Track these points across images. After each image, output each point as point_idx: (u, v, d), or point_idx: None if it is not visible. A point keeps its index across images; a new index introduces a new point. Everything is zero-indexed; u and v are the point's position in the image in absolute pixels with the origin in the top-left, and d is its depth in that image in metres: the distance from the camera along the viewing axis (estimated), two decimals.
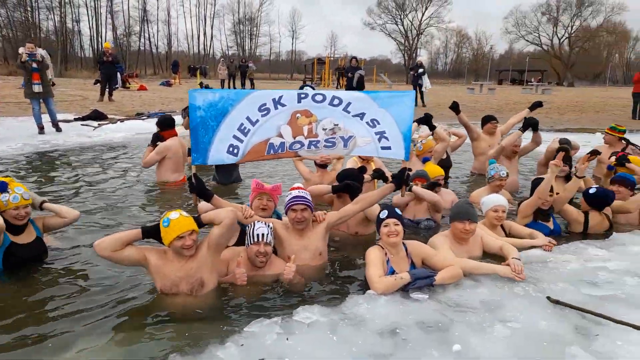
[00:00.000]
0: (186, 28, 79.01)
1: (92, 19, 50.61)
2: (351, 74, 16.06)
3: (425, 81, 18.82)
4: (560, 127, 13.30)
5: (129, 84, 22.52)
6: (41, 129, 9.04)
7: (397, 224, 3.13)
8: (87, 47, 52.85)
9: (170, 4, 56.78)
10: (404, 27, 65.52)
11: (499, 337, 2.47)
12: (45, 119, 9.22)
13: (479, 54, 78.49)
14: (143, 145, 7.39)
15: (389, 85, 37.08)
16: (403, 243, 3.25)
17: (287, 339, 2.40)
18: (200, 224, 2.86)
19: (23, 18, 45.32)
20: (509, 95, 26.61)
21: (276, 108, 3.31)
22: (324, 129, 3.43)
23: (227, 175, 5.83)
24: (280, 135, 3.37)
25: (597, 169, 6.56)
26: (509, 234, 3.99)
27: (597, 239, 4.06)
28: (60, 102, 14.57)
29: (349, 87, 16.18)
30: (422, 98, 18.04)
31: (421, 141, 5.64)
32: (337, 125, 3.44)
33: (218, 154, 3.26)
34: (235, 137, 3.26)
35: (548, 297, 2.89)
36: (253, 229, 3.06)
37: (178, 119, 7.20)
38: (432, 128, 5.88)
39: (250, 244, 3.06)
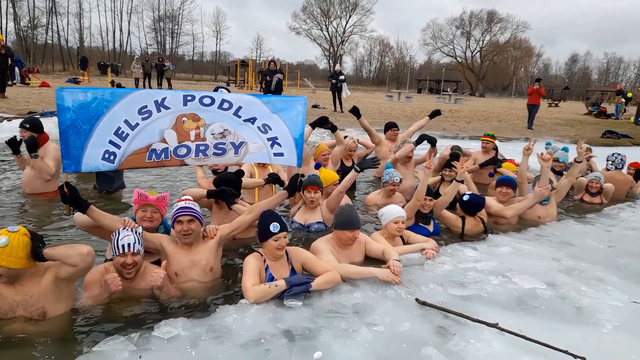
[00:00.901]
0: (100, 23, 74.33)
1: None
2: (269, 77, 15.97)
3: (344, 88, 19.19)
4: (464, 134, 14.14)
5: (29, 79, 20.68)
6: None
7: (285, 237, 3.08)
8: None
9: None
10: (328, 34, 66.77)
11: (361, 341, 2.50)
12: None
13: (400, 63, 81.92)
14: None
15: (313, 90, 37.41)
16: (286, 249, 3.20)
17: (140, 357, 2.24)
18: (40, 258, 2.47)
19: None
20: (424, 104, 27.93)
21: (159, 111, 3.04)
22: (212, 134, 3.23)
23: (109, 183, 5.30)
24: (164, 141, 3.10)
25: (477, 175, 6.99)
26: (406, 243, 4.06)
27: (473, 241, 4.29)
28: None
29: (267, 91, 16.08)
30: (340, 105, 18.33)
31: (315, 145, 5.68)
32: (227, 129, 3.27)
33: (92, 161, 2.92)
34: (111, 142, 2.94)
35: (416, 299, 2.98)
36: (117, 238, 2.78)
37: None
38: (333, 130, 5.95)
39: (116, 255, 2.78)
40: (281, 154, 3.44)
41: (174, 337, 2.42)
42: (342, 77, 18.32)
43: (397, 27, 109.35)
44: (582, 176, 6.32)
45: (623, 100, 23.74)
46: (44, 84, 20.42)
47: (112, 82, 23.82)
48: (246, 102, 3.29)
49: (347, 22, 66.22)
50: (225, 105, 3.23)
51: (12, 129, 8.33)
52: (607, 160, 6.82)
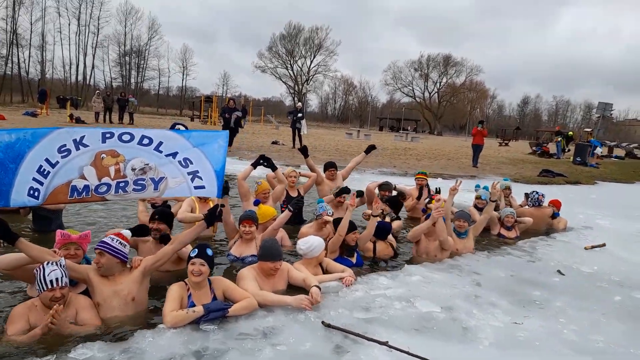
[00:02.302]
0: (63, 55, 73.68)
1: None
2: (228, 114, 16.37)
3: (303, 126, 19.77)
4: (413, 171, 14.84)
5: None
6: None
7: (203, 264, 3.32)
8: None
9: (47, 30, 52.66)
10: (293, 72, 68.53)
11: (262, 359, 2.80)
12: None
13: (364, 101, 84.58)
14: None
15: (276, 127, 38.14)
16: (208, 278, 3.49)
17: None
18: None
19: None
20: (382, 141, 28.98)
21: (77, 149, 3.23)
22: (133, 169, 3.37)
23: (46, 223, 5.28)
24: (84, 177, 3.25)
25: (413, 210, 7.53)
26: (325, 270, 4.41)
27: (390, 270, 4.69)
28: None
29: (226, 127, 16.44)
30: (300, 141, 18.82)
31: (257, 183, 6.04)
32: (147, 164, 3.40)
33: (19, 197, 3.09)
34: (34, 179, 3.12)
35: (322, 322, 3.31)
36: (44, 273, 2.92)
37: None
38: (273, 169, 6.33)
39: (44, 290, 2.91)
40: (202, 187, 3.56)
41: (88, 358, 2.65)
42: (299, 115, 18.86)
43: (360, 67, 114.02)
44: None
45: (562, 139, 25.47)
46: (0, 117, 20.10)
47: (71, 116, 23.70)
48: (167, 138, 3.48)
49: (311, 62, 68.30)
50: (145, 141, 3.41)
51: None
52: (527, 198, 7.50)
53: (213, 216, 3.65)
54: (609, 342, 3.37)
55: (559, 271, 5.02)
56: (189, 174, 3.53)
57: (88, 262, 3.63)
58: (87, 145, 3.26)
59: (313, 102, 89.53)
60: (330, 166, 7.42)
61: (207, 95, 41.12)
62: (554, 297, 4.21)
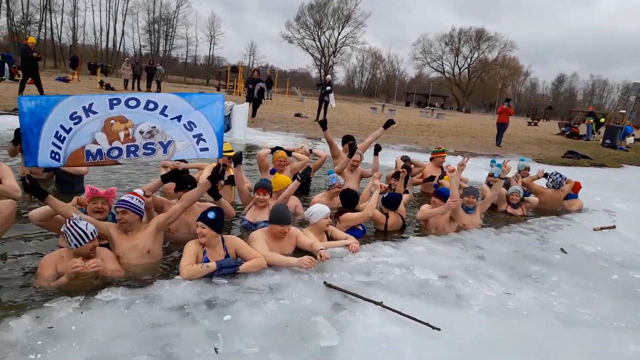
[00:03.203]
0: (94, 22, 74.71)
1: None
2: (252, 85, 16.58)
3: (331, 99, 19.80)
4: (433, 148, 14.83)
5: (18, 76, 21.03)
6: None
7: (204, 227, 3.59)
8: None
9: None
10: (321, 44, 67.75)
11: (266, 310, 3.09)
12: None
13: (391, 75, 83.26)
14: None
15: (301, 99, 38.16)
16: (222, 237, 3.80)
17: (82, 313, 2.81)
18: None
19: None
20: (406, 117, 28.81)
21: (87, 116, 3.46)
22: (141, 132, 3.63)
23: (69, 186, 5.55)
24: (96, 142, 3.52)
25: (425, 186, 7.68)
26: (330, 237, 4.67)
27: (397, 240, 4.91)
28: None
29: (250, 98, 16.69)
30: (324, 114, 18.89)
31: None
32: (154, 127, 3.67)
33: (44, 158, 3.41)
34: (54, 143, 3.41)
35: (324, 282, 3.58)
36: (83, 228, 3.23)
37: None
38: (289, 154, 6.57)
39: (86, 242, 3.23)
40: (206, 149, 3.88)
41: (112, 300, 2.99)
42: (328, 88, 18.84)
43: (390, 39, 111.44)
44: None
45: (593, 122, 24.77)
46: (32, 81, 20.76)
47: (101, 83, 24.32)
48: (170, 101, 3.70)
49: (339, 34, 67.28)
50: (151, 105, 3.64)
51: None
52: (548, 178, 7.51)
53: (216, 175, 4.01)
54: (596, 316, 3.53)
55: (562, 249, 5.15)
56: (194, 136, 3.82)
57: (114, 217, 3.95)
58: (96, 112, 3.50)
59: (340, 74, 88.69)
60: (349, 139, 7.59)
61: (233, 66, 41.25)
62: (551, 273, 4.37)
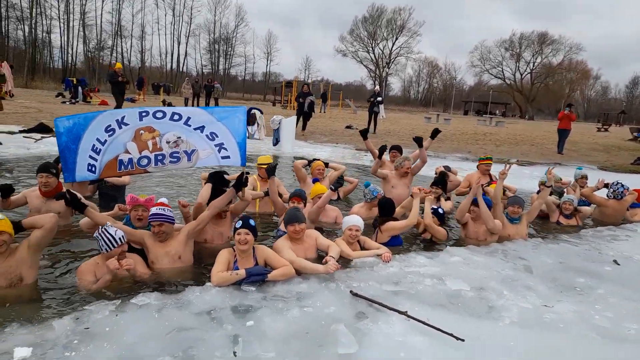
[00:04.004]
0: (160, 45, 79.77)
1: (63, 31, 50.58)
2: (302, 99, 16.88)
3: (381, 110, 19.75)
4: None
5: (90, 98, 22.84)
6: None
7: (248, 234, 3.74)
8: (57, 59, 52.66)
9: (146, 21, 57.20)
10: (375, 55, 67.73)
11: (289, 317, 3.15)
12: None
13: (449, 84, 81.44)
14: None
15: (354, 111, 38.27)
16: (252, 247, 3.92)
17: (117, 315, 3.02)
18: (20, 228, 3.38)
19: None
20: (461, 126, 28.00)
21: (120, 127, 3.79)
22: (167, 142, 3.93)
23: (110, 201, 5.56)
24: (127, 152, 3.84)
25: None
26: (363, 247, 4.66)
27: (432, 250, 4.81)
28: (13, 114, 14.91)
29: (300, 112, 17.01)
30: (374, 126, 18.86)
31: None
32: (180, 137, 3.96)
33: (81, 173, 3.74)
34: (90, 157, 3.73)
35: (350, 291, 3.59)
36: (112, 234, 3.48)
37: None
38: (325, 165, 6.66)
39: (115, 247, 3.49)
40: (228, 157, 4.13)
41: (145, 304, 3.18)
42: (379, 99, 18.81)
43: (449, 47, 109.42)
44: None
45: None
46: (102, 102, 22.48)
47: (164, 102, 25.79)
48: (194, 114, 4.00)
49: (393, 44, 66.99)
50: (176, 117, 3.94)
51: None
52: (609, 188, 7.01)
53: (240, 183, 4.23)
54: None
55: (614, 261, 4.81)
56: (215, 145, 4.08)
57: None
58: (128, 124, 3.82)
59: (395, 85, 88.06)
60: (394, 148, 7.55)
61: (287, 81, 42.25)
62: (597, 285, 4.09)
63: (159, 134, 3.92)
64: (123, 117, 3.80)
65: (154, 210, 3.89)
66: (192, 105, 25.92)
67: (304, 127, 17.01)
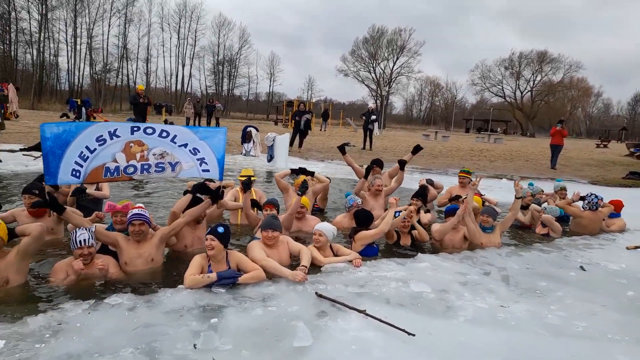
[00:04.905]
0: (165, 66, 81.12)
1: (71, 54, 51.73)
2: (299, 117, 17.21)
3: (375, 127, 20.08)
4: (481, 173, 14.52)
5: (94, 118, 23.29)
6: None
7: (213, 240, 3.93)
8: (64, 81, 53.72)
9: (152, 44, 58.33)
10: (376, 75, 68.57)
11: (252, 315, 3.33)
12: None
13: (450, 103, 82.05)
14: None
15: (355, 129, 38.65)
16: (226, 252, 4.12)
17: (89, 313, 3.21)
18: (13, 234, 3.64)
19: (1, 51, 46.14)
20: (459, 143, 28.28)
21: (112, 139, 4.09)
22: (154, 155, 4.28)
23: (88, 212, 5.46)
24: (115, 161, 4.15)
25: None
26: (336, 254, 4.85)
27: (404, 257, 4.98)
28: (17, 133, 15.30)
29: (297, 129, 17.34)
30: (370, 142, 19.14)
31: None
32: (165, 151, 4.32)
33: (64, 176, 3.99)
34: (76, 162, 3.98)
35: (316, 292, 3.77)
36: (76, 236, 3.75)
37: None
38: (312, 175, 6.86)
39: (75, 248, 3.75)
40: (207, 170, 4.50)
41: (118, 304, 3.37)
42: (373, 117, 19.15)
43: (451, 66, 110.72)
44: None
45: None
46: (105, 122, 22.88)
47: (165, 121, 26.20)
48: (180, 132, 4.37)
49: (394, 64, 67.84)
50: (164, 134, 4.30)
51: None
52: (584, 200, 7.18)
53: (217, 195, 4.55)
54: (591, 329, 3.42)
55: (581, 267, 4.95)
56: (197, 159, 4.43)
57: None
58: (119, 136, 4.14)
59: (398, 104, 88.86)
60: (374, 163, 7.76)
61: (289, 100, 42.86)
62: (558, 288, 4.25)
63: (147, 147, 4.25)
64: (115, 130, 4.11)
65: (134, 211, 4.15)
66: (194, 124, 26.44)
67: (300, 145, 17.30)
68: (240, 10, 73.42)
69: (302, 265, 4.16)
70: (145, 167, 4.26)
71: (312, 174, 6.81)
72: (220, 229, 4.01)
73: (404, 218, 5.32)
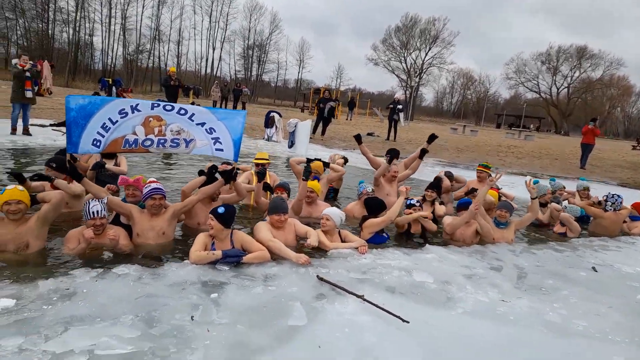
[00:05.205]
0: (195, 50, 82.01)
1: (105, 34, 52.87)
2: (323, 104, 17.19)
3: (401, 117, 19.87)
4: (507, 169, 14.25)
5: (123, 97, 23.87)
6: (14, 130, 10.11)
7: (212, 220, 4.02)
8: (98, 61, 55.03)
9: (184, 26, 59.01)
10: (407, 65, 67.53)
11: (252, 293, 3.41)
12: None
13: (483, 97, 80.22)
14: None
15: (381, 119, 38.34)
16: (231, 232, 4.21)
17: (96, 281, 3.35)
18: (35, 201, 3.85)
19: (40, 29, 47.55)
20: (487, 138, 27.72)
21: (133, 112, 4.27)
22: (171, 131, 4.42)
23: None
24: (135, 133, 4.32)
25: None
26: (343, 240, 4.88)
27: (412, 247, 4.97)
28: (49, 109, 15.83)
29: (320, 117, 17.34)
30: (395, 134, 18.96)
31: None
32: (182, 128, 4.44)
33: (85, 146, 4.18)
34: (98, 132, 4.17)
35: (317, 275, 3.82)
36: (89, 207, 3.90)
37: None
38: (327, 166, 6.88)
39: (88, 219, 3.90)
40: (221, 150, 4.58)
41: (124, 274, 3.50)
42: (399, 107, 18.95)
43: (488, 59, 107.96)
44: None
45: None
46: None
47: (192, 103, 26.63)
48: (198, 111, 4.48)
49: (426, 54, 66.60)
50: (182, 111, 4.43)
51: None
52: (607, 201, 6.98)
53: (229, 175, 4.62)
54: (592, 328, 3.36)
55: (593, 268, 4.84)
56: (212, 138, 4.53)
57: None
58: (140, 111, 4.31)
59: (428, 95, 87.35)
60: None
61: (316, 88, 42.74)
62: (564, 287, 4.17)
63: (166, 123, 4.41)
64: (137, 105, 4.29)
65: (154, 185, 4.31)
66: (220, 107, 26.74)
67: (323, 132, 17.31)
68: None
69: (309, 242, 4.23)
70: (162, 141, 4.42)
71: (327, 164, 6.84)
72: (221, 209, 4.08)
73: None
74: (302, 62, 68.91)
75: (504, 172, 5.93)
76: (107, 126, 4.20)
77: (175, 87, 15.88)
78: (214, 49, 61.64)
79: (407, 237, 5.41)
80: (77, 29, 49.28)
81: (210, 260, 3.87)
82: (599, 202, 6.97)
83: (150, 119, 4.34)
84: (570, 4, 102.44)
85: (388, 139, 18.86)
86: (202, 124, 4.47)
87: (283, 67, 69.12)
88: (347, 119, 33.02)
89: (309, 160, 6.93)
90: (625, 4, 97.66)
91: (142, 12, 53.59)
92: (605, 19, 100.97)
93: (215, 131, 4.52)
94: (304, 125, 12.67)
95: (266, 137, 14.80)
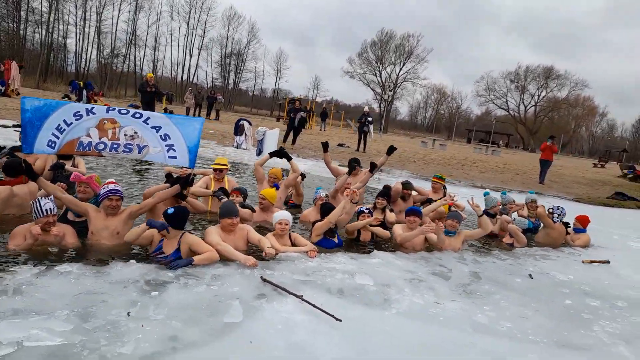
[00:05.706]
0: (172, 56, 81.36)
1: (79, 36, 52.01)
2: (293, 114, 17.38)
3: (370, 129, 20.27)
4: (468, 183, 14.67)
5: (94, 101, 23.52)
6: None
7: (163, 219, 4.14)
8: (71, 63, 53.99)
9: (161, 32, 58.56)
10: (381, 79, 68.62)
11: (193, 291, 3.50)
12: None
13: (455, 112, 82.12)
14: None
15: (355, 131, 38.77)
16: (182, 233, 4.28)
17: (37, 278, 3.38)
18: None
19: (11, 29, 46.43)
20: (455, 152, 28.40)
21: (87, 115, 4.37)
22: (125, 135, 4.48)
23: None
24: (89, 136, 4.40)
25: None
26: (294, 243, 5.01)
27: (360, 253, 5.15)
28: (14, 110, 15.49)
29: (291, 126, 17.50)
30: (364, 145, 19.30)
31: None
32: (136, 133, 4.50)
33: (40, 147, 4.25)
34: (53, 134, 4.25)
35: (261, 277, 3.93)
36: (40, 205, 3.92)
37: None
38: (289, 159, 7.02)
39: (40, 217, 3.91)
40: (174, 157, 4.61)
41: (67, 272, 3.54)
42: (369, 119, 19.36)
43: (461, 75, 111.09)
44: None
45: None
46: (106, 106, 23.10)
47: (165, 110, 26.42)
48: (154, 116, 4.57)
49: (400, 69, 67.86)
50: (137, 115, 4.52)
51: None
52: (552, 213, 7.32)
53: (185, 182, 4.68)
54: (515, 329, 3.58)
55: (529, 275, 5.11)
56: (166, 146, 4.58)
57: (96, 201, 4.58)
58: (95, 114, 4.42)
59: (403, 109, 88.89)
60: (354, 162, 7.92)
61: (291, 98, 43.00)
62: (498, 292, 4.40)
63: (119, 125, 4.48)
64: (92, 108, 4.41)
65: (112, 186, 4.36)
66: (194, 115, 26.60)
67: (293, 142, 17.46)
68: (252, 3, 73.60)
69: (267, 253, 4.34)
70: (115, 146, 4.47)
71: (289, 158, 6.95)
72: (170, 210, 4.17)
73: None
74: (279, 72, 69.24)
75: (456, 199, 6.23)
76: (61, 128, 4.27)
77: (151, 93, 15.71)
78: (191, 56, 61.33)
79: (356, 244, 5.59)
80: (51, 30, 48.25)
81: (140, 233, 4.10)
82: (550, 212, 7.32)
83: (105, 121, 4.41)
84: (542, 24, 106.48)
85: (358, 149, 19.16)
86: (157, 129, 4.54)
87: (260, 77, 69.25)
88: (320, 130, 33.31)
89: (271, 155, 6.92)
90: (592, 28, 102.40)
91: (118, 16, 52.99)
92: (572, 41, 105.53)
93: (169, 138, 4.57)
94: (272, 134, 12.82)
95: (236, 144, 14.85)
